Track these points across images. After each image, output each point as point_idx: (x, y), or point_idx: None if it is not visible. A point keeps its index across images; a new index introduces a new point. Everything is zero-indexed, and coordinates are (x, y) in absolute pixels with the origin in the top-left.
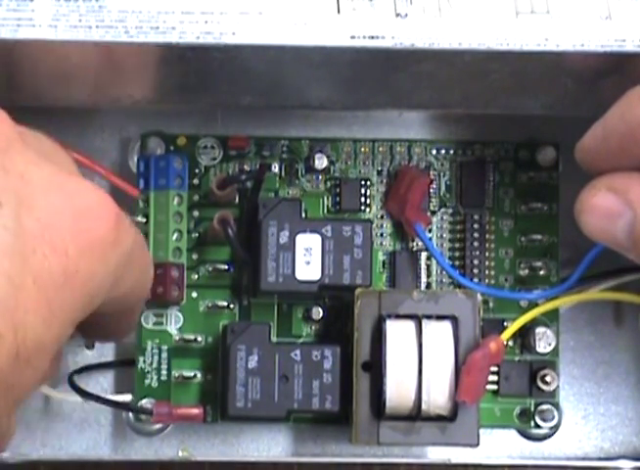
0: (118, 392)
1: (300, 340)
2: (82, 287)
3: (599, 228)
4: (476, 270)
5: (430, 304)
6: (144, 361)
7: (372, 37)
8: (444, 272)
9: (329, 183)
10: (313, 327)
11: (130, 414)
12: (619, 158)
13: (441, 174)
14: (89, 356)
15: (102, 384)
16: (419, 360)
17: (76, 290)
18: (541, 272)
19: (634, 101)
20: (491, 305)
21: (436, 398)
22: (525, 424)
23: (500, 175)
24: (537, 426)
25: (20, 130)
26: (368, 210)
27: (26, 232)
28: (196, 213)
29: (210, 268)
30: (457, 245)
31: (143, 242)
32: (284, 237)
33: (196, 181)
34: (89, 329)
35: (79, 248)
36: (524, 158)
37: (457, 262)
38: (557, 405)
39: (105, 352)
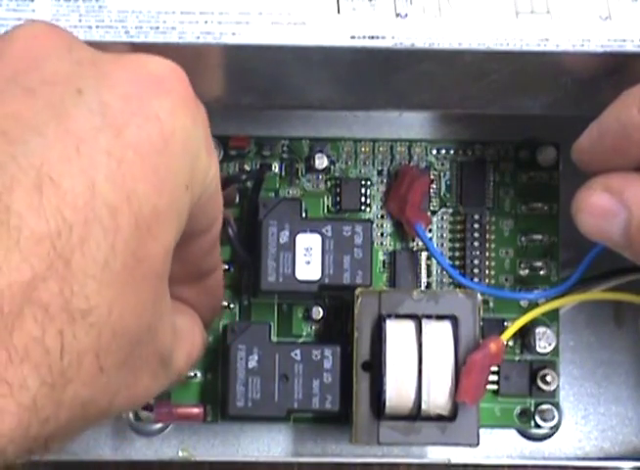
0: None
1: (301, 340)
2: (183, 147)
3: (595, 227)
4: (476, 270)
5: (430, 303)
6: None
7: (372, 37)
8: (444, 272)
9: (329, 183)
10: (313, 327)
11: (130, 414)
12: (615, 158)
13: (442, 174)
14: None
15: None
16: (419, 360)
17: (178, 152)
18: (541, 272)
19: (629, 102)
20: (491, 304)
21: (436, 397)
22: (526, 424)
23: (500, 175)
24: (537, 426)
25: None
26: (368, 209)
27: (114, 109)
28: None
29: None
30: (457, 245)
31: None
32: (284, 237)
33: None
34: (183, 271)
35: (168, 109)
36: (524, 158)
37: (457, 262)
38: (557, 405)
39: None
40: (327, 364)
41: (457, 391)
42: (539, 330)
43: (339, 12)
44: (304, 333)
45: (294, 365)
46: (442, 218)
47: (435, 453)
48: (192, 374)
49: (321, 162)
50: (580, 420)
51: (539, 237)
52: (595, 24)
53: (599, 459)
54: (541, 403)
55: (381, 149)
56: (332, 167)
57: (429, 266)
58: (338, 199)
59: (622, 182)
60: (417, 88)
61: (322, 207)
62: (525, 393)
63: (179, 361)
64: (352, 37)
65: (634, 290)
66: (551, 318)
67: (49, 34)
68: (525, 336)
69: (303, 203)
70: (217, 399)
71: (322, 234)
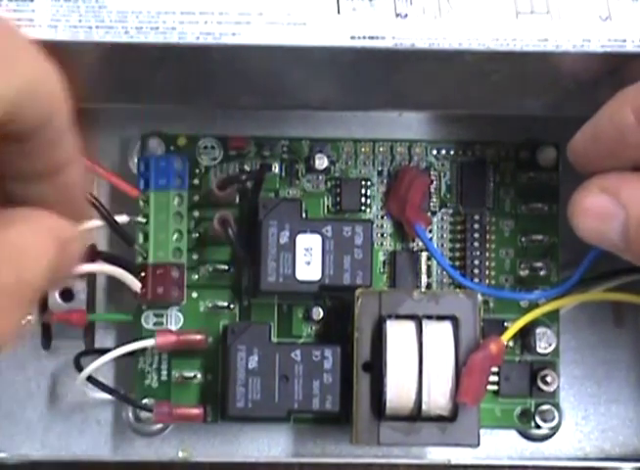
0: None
1: (301, 340)
2: None
3: (593, 230)
4: (476, 270)
5: (430, 304)
6: (144, 361)
7: (372, 37)
8: (445, 272)
9: (329, 183)
10: (313, 327)
11: (130, 415)
12: (610, 158)
13: (442, 174)
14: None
15: None
16: (419, 361)
17: None
18: (542, 273)
19: (622, 102)
20: (492, 305)
21: (437, 398)
22: (526, 424)
23: (500, 175)
24: (538, 426)
25: None
26: (368, 210)
27: None
28: (196, 214)
29: (211, 269)
30: (457, 245)
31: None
32: (284, 237)
33: (196, 181)
34: (29, 167)
35: None
36: (524, 158)
37: (457, 263)
38: (557, 406)
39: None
40: (327, 365)
41: (457, 391)
42: (539, 330)
43: (339, 12)
44: (304, 333)
45: (294, 366)
46: (442, 219)
47: (436, 454)
48: (192, 375)
49: (321, 162)
50: (581, 421)
51: (539, 237)
52: (595, 25)
53: (599, 460)
54: (542, 404)
55: (381, 149)
56: (332, 168)
57: (429, 267)
58: (338, 199)
59: (619, 182)
60: (417, 88)
61: (322, 207)
62: (525, 393)
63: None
64: (352, 37)
65: (634, 290)
66: (551, 319)
67: None
68: (525, 336)
69: (303, 203)
70: (217, 400)
71: (322, 234)
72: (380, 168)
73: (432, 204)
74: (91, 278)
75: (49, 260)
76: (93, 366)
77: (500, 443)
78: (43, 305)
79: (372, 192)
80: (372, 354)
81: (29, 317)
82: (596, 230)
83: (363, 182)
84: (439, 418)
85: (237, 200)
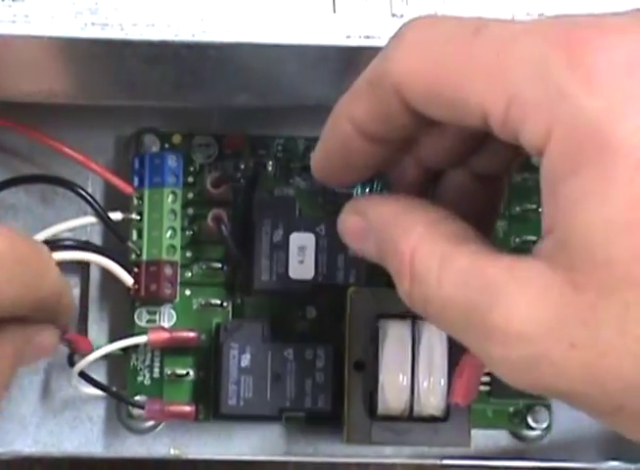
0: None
1: (293, 339)
2: None
3: (358, 249)
4: None
5: None
6: (136, 359)
7: (368, 37)
8: None
9: None
10: (306, 326)
11: (122, 412)
12: (349, 171)
13: None
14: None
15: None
16: (412, 360)
17: None
18: None
19: (338, 115)
20: None
21: (429, 398)
22: (518, 425)
23: None
24: (530, 427)
25: None
26: None
27: None
28: (190, 211)
29: (204, 266)
30: None
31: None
32: (278, 235)
33: (190, 179)
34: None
35: None
36: None
37: None
38: (549, 407)
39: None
40: (319, 364)
41: (450, 391)
42: None
43: (334, 11)
44: (297, 332)
45: (286, 364)
46: None
47: (428, 454)
48: (184, 372)
49: None
50: (573, 421)
51: (533, 238)
52: None
53: (591, 461)
54: (534, 405)
55: None
56: None
57: None
58: (332, 198)
59: (366, 204)
60: None
61: (316, 206)
62: (517, 394)
63: None
64: (348, 37)
65: None
66: None
67: None
68: None
69: (298, 202)
70: (209, 398)
71: (316, 233)
72: None
73: None
74: (85, 275)
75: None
76: (85, 362)
77: (492, 443)
78: None
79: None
80: (365, 354)
81: None
82: (360, 249)
83: None
84: (432, 418)
85: (231, 198)
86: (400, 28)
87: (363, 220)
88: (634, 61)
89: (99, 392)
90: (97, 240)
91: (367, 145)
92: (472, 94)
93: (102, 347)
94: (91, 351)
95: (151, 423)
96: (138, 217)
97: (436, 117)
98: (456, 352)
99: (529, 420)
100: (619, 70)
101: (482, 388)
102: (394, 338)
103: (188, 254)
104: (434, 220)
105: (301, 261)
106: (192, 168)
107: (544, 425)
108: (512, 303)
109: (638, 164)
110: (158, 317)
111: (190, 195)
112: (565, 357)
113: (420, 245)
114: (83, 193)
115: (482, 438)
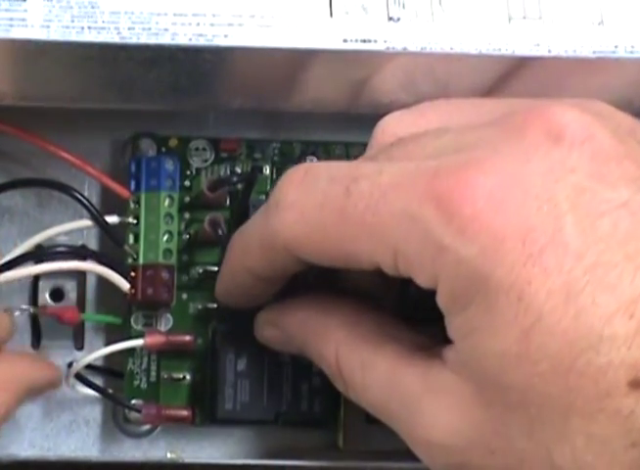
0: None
1: None
2: None
3: (286, 352)
4: None
5: None
6: (133, 363)
7: (364, 41)
8: None
9: None
10: None
11: (119, 416)
12: (253, 300)
13: None
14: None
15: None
16: None
17: None
18: None
19: (236, 266)
20: None
21: None
22: None
23: None
24: None
25: None
26: None
27: None
28: (187, 215)
29: (201, 270)
30: None
31: None
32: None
33: (187, 183)
34: None
35: None
36: None
37: None
38: None
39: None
40: (316, 368)
41: None
42: None
43: (331, 15)
44: None
45: (283, 368)
46: None
47: None
48: (181, 376)
49: None
50: None
51: None
52: (587, 30)
53: None
54: None
55: None
56: None
57: None
58: None
59: (279, 314)
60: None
61: None
62: None
63: None
64: (345, 41)
65: None
66: None
67: None
68: None
69: None
70: (206, 402)
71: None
72: None
73: None
74: (81, 278)
75: (7, 408)
76: (81, 364)
77: None
78: (33, 304)
79: None
80: None
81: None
82: (288, 352)
83: None
84: None
85: (228, 202)
86: (282, 180)
87: (280, 331)
88: (497, 199)
89: (96, 395)
90: (93, 244)
91: (266, 285)
92: (359, 252)
93: (98, 350)
94: (78, 320)
95: (147, 427)
96: (135, 221)
97: (332, 267)
98: None
99: None
100: (486, 212)
101: None
102: None
103: (184, 257)
104: (352, 323)
105: None
106: (188, 172)
107: None
108: (430, 415)
109: (518, 300)
110: (154, 321)
111: (186, 199)
112: (487, 464)
113: (341, 351)
114: (79, 197)
115: None
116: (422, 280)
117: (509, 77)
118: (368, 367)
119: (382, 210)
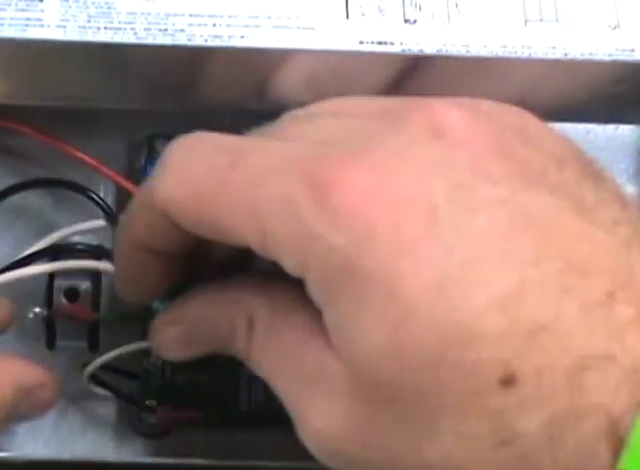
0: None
1: None
2: None
3: (184, 357)
4: None
5: None
6: (148, 363)
7: (380, 43)
8: None
9: None
10: None
11: (133, 416)
12: (148, 284)
13: None
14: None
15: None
16: None
17: None
18: None
19: (122, 233)
20: None
21: None
22: None
23: None
24: None
25: None
26: None
27: None
28: None
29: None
30: None
31: None
32: None
33: None
34: None
35: None
36: None
37: None
38: None
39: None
40: None
41: None
42: None
43: (347, 17)
44: None
45: None
46: None
47: None
48: (195, 376)
49: None
50: None
51: None
52: (604, 33)
53: None
54: None
55: None
56: None
57: None
58: None
59: (178, 308)
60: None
61: None
62: None
63: None
64: (361, 43)
65: None
66: None
67: None
68: None
69: None
70: (221, 402)
71: None
72: None
73: None
74: (96, 278)
75: (4, 403)
76: (96, 364)
77: None
78: (48, 304)
79: None
80: None
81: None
82: (188, 356)
83: None
84: None
85: None
86: (171, 144)
87: (182, 326)
88: (370, 191)
89: (110, 395)
90: (108, 244)
91: (154, 259)
92: (232, 227)
93: (113, 350)
94: (92, 320)
95: (161, 428)
96: None
97: (206, 237)
98: None
99: None
100: (359, 203)
101: None
102: None
103: None
104: (266, 290)
105: None
106: None
107: None
108: (311, 397)
109: (388, 294)
110: None
111: None
112: (361, 457)
113: (257, 314)
114: (95, 197)
115: None
116: (289, 265)
117: (408, 77)
118: (274, 332)
119: (260, 188)
